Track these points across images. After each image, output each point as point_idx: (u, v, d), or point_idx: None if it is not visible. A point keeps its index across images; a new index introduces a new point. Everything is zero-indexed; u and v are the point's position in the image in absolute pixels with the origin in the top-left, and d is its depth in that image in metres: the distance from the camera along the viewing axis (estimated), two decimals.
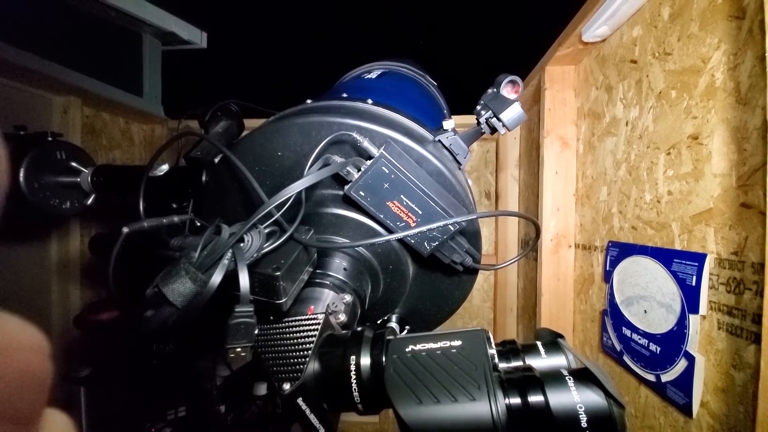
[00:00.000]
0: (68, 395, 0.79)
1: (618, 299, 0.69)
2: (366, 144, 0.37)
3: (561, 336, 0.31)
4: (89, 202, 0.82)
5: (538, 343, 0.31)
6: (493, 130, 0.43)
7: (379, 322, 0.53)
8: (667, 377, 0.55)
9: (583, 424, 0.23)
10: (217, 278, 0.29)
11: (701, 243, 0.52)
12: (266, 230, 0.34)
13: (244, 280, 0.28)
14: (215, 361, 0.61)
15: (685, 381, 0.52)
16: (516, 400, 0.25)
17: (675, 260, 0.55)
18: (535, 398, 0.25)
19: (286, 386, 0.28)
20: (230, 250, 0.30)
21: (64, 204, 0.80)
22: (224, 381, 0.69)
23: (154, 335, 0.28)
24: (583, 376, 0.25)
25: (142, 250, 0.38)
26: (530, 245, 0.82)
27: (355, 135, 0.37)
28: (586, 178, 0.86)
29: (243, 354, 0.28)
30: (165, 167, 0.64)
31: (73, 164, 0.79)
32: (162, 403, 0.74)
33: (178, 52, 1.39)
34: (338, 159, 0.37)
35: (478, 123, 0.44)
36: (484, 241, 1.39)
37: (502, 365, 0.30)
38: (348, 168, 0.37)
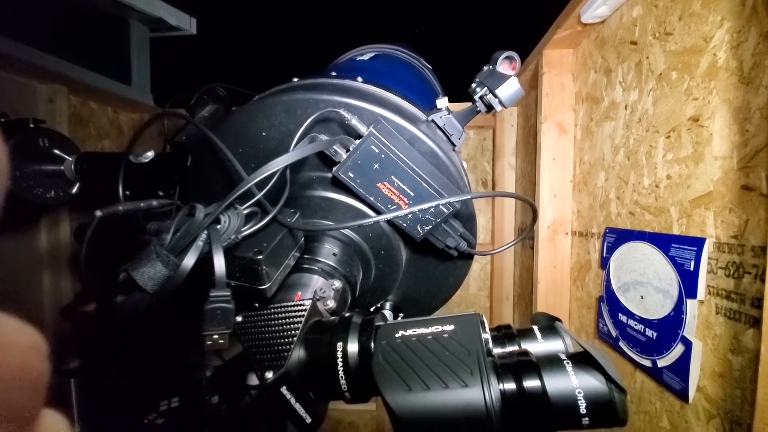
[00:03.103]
0: (58, 387, 0.78)
1: (614, 285, 0.68)
2: (354, 122, 0.35)
3: (558, 320, 0.30)
4: (74, 191, 0.80)
5: (535, 328, 0.30)
6: (489, 107, 0.41)
7: (372, 309, 0.52)
8: (663, 362, 0.55)
9: (582, 410, 0.22)
10: (189, 261, 0.27)
11: (700, 227, 0.51)
12: (246, 211, 0.32)
13: (219, 262, 0.27)
14: (205, 352, 0.60)
15: (682, 366, 0.51)
16: (511, 386, 0.24)
17: (673, 245, 0.54)
18: (531, 383, 0.24)
19: (269, 375, 0.26)
20: (205, 232, 0.28)
21: (48, 193, 0.78)
22: (217, 371, 0.68)
23: (127, 321, 0.26)
24: (583, 360, 0.24)
25: (124, 235, 0.36)
26: (527, 228, 0.82)
27: (342, 112, 0.35)
28: (584, 164, 0.85)
29: (221, 341, 0.26)
30: (150, 154, 0.62)
31: (56, 152, 0.76)
32: (153, 394, 0.73)
33: (166, 39, 1.35)
34: (325, 138, 0.35)
35: (473, 101, 0.42)
36: (481, 230, 1.38)
37: (497, 350, 0.29)
38: (335, 147, 0.35)
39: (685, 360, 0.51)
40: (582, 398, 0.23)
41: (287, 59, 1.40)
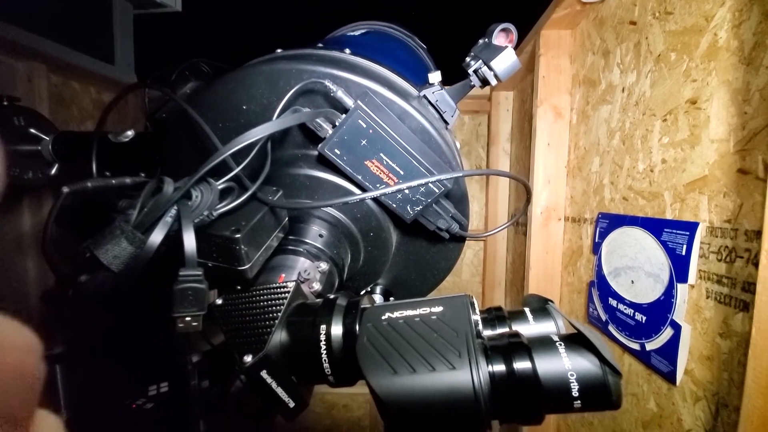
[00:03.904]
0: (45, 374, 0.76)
1: (606, 270, 0.68)
2: (340, 94, 0.33)
3: (550, 301, 0.29)
4: (53, 172, 0.76)
5: (526, 309, 0.29)
6: (484, 82, 0.39)
7: (362, 293, 0.51)
8: (651, 346, 0.55)
9: (575, 393, 0.22)
10: (157, 237, 0.25)
11: (694, 212, 0.50)
12: (221, 186, 0.30)
13: (189, 239, 0.25)
14: (190, 336, 0.59)
15: (670, 349, 0.51)
16: (500, 368, 0.23)
17: (666, 230, 0.54)
18: (521, 365, 0.23)
19: (248, 358, 0.25)
20: (174, 207, 0.26)
21: (25, 174, 0.75)
22: (206, 355, 0.67)
23: (91, 302, 0.25)
24: (576, 342, 0.23)
25: (97, 214, 0.34)
26: (521, 209, 0.81)
27: (327, 83, 0.33)
28: (579, 149, 0.84)
29: (194, 323, 0.25)
30: (130, 133, 0.59)
31: (33, 131, 0.73)
32: (142, 379, 0.72)
33: (151, 16, 1.30)
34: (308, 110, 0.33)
35: (467, 75, 0.40)
36: (475, 216, 1.38)
37: (488, 333, 0.28)
38: (320, 121, 0.33)
39: (673, 343, 0.51)
40: (574, 380, 0.22)
41: (276, 37, 1.35)
